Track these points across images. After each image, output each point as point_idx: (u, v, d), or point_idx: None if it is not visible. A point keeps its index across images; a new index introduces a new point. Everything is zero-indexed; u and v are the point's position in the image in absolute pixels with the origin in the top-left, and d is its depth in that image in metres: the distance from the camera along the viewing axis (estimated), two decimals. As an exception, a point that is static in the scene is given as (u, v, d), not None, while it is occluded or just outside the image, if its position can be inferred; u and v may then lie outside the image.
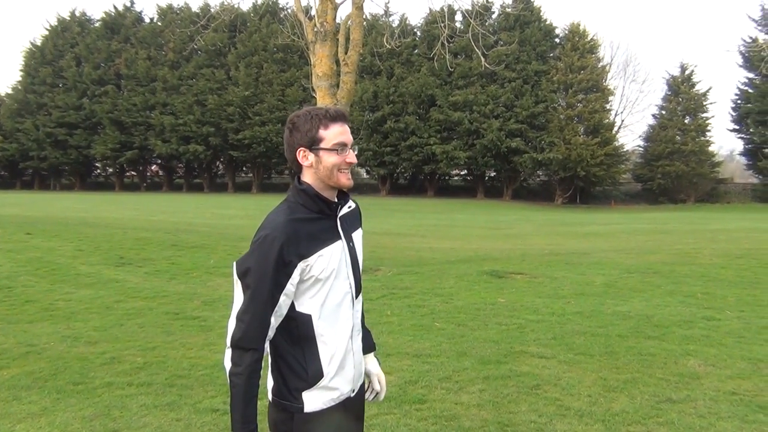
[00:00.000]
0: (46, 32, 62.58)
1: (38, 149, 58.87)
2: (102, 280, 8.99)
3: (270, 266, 1.85)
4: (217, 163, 61.84)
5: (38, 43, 62.42)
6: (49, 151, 58.58)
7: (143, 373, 4.91)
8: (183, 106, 55.14)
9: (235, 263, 1.93)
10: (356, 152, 2.02)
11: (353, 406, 2.08)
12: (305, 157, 1.97)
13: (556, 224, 26.22)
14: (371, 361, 2.25)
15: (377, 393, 2.25)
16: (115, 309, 7.25)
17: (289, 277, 1.88)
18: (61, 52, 60.37)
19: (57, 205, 30.25)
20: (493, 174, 54.72)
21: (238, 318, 1.89)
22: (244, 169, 63.35)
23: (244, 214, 25.91)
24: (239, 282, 1.91)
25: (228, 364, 1.89)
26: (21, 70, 62.50)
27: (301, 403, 1.95)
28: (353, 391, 2.07)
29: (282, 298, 1.89)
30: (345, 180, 1.99)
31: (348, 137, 1.99)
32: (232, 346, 1.88)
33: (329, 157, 1.95)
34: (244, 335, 1.86)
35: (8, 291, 8.12)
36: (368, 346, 2.22)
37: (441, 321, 6.60)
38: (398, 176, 58.20)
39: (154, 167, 66.92)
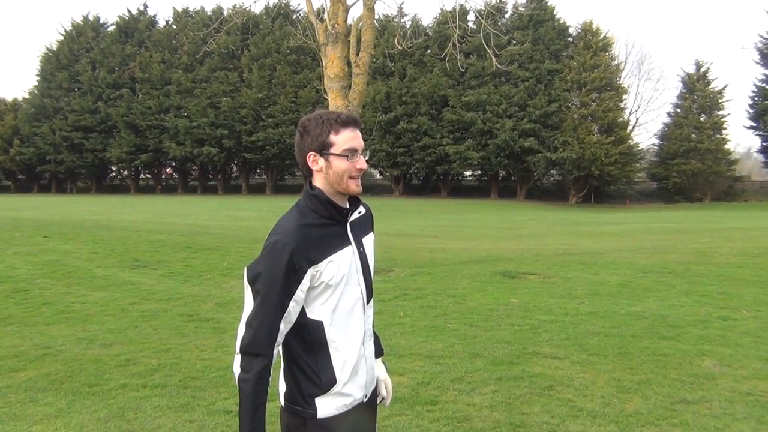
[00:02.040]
0: (62, 37, 63.35)
1: (55, 153, 59.72)
2: (117, 282, 9.07)
3: (280, 272, 1.85)
4: (231, 165, 62.28)
5: (54, 48, 63.19)
6: (66, 154, 59.38)
7: (157, 374, 4.94)
8: (197, 108, 55.56)
9: (245, 268, 1.93)
10: (367, 158, 2.01)
11: (366, 411, 2.08)
12: (315, 161, 1.96)
13: (569, 224, 26.09)
14: (378, 366, 2.24)
15: (383, 398, 2.26)
16: (129, 311, 7.31)
17: (299, 283, 1.88)
18: (77, 56, 61.10)
19: (73, 208, 30.57)
20: (506, 174, 54.56)
21: (248, 324, 1.89)
22: (257, 170, 63.74)
23: (258, 216, 26.03)
24: (249, 287, 1.91)
25: (237, 370, 1.89)
26: (37, 75, 63.40)
27: (315, 409, 1.95)
28: (366, 397, 2.07)
29: (291, 304, 1.88)
30: (354, 186, 1.97)
31: (359, 143, 1.97)
32: (241, 352, 1.88)
33: (339, 162, 1.94)
34: (253, 341, 1.86)
35: (25, 293, 8.21)
36: (377, 350, 2.21)
37: (453, 322, 6.59)
38: (411, 177, 58.26)
39: (168, 170, 67.55)
